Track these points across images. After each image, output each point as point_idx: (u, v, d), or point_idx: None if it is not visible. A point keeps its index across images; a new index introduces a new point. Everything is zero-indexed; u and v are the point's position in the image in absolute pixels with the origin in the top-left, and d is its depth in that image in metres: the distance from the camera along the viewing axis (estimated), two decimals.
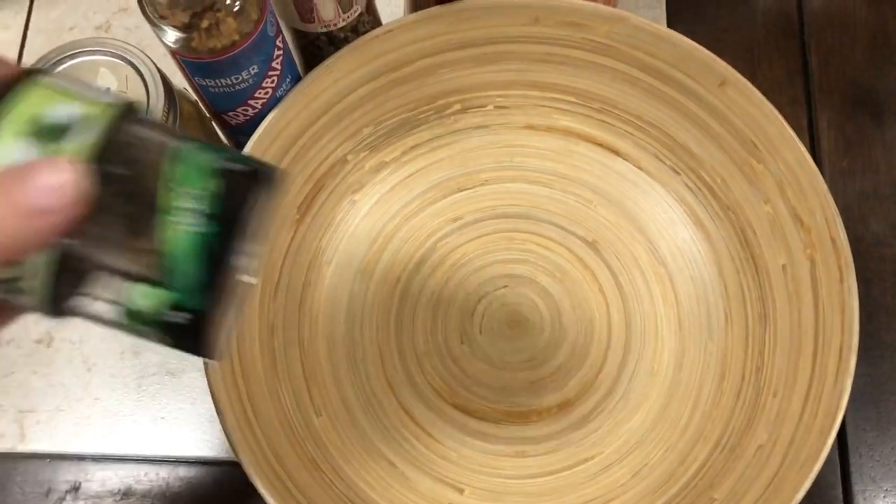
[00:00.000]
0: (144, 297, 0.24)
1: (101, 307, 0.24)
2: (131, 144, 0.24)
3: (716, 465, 0.41)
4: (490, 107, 0.48)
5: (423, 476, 0.43)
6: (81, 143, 0.23)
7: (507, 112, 0.48)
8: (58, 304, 0.24)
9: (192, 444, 0.46)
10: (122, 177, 0.23)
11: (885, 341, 0.46)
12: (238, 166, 0.25)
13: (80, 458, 0.46)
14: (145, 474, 0.46)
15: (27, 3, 0.56)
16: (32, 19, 0.56)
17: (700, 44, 0.43)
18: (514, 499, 0.42)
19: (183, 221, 0.24)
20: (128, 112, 0.25)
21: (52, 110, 0.23)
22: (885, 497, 0.44)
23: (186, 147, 0.25)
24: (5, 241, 0.20)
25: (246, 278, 0.25)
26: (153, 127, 0.26)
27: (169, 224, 0.24)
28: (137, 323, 0.24)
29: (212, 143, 0.26)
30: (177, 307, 0.24)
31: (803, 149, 0.41)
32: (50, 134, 0.23)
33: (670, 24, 0.53)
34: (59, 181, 0.21)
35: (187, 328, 0.24)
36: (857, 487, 0.44)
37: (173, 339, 0.25)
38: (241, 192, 0.25)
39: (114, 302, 0.24)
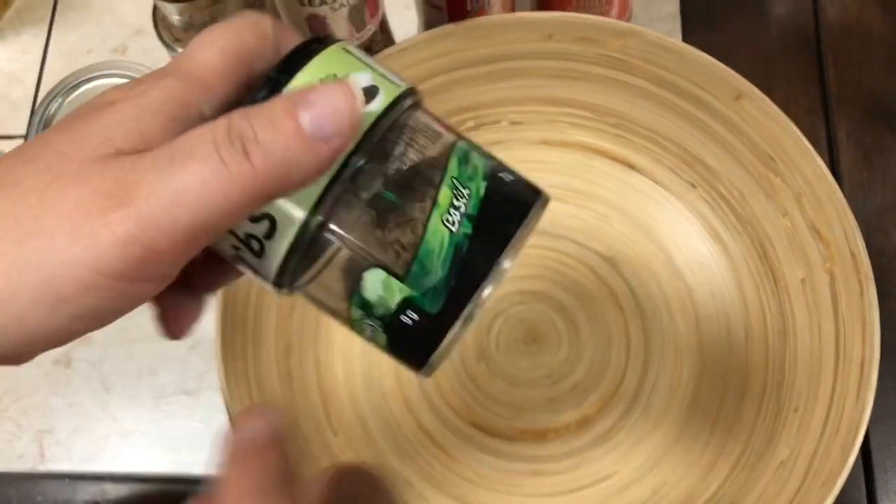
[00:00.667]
0: (380, 286, 0.23)
1: (329, 288, 0.24)
2: (416, 129, 0.23)
3: (737, 481, 0.40)
4: (504, 123, 0.48)
5: (441, 496, 0.42)
6: (371, 109, 0.22)
7: (521, 128, 0.48)
8: (286, 276, 0.23)
9: (209, 464, 0.46)
10: (401, 157, 0.23)
11: None
12: (508, 176, 0.24)
13: (99, 477, 0.46)
14: (163, 494, 0.46)
15: (46, 28, 0.57)
16: (51, 43, 0.56)
17: (715, 57, 0.42)
18: None
19: (449, 219, 0.22)
20: (415, 97, 0.24)
21: (352, 72, 0.22)
22: None
23: (467, 146, 0.24)
24: (285, 165, 0.20)
25: (486, 292, 0.23)
26: (434, 119, 0.25)
27: (436, 219, 0.22)
28: (360, 312, 0.23)
29: (490, 153, 0.25)
30: (409, 305, 0.23)
31: (820, 161, 0.40)
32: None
33: (685, 38, 0.53)
34: (344, 104, 0.20)
35: (410, 331, 0.23)
36: (882, 503, 0.43)
37: (390, 340, 0.24)
38: (505, 204, 0.24)
39: (346, 285, 0.23)
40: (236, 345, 0.39)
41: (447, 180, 0.23)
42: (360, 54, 0.23)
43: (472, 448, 0.43)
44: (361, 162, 0.22)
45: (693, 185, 0.46)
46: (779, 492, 0.39)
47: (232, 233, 0.22)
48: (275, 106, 0.20)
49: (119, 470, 0.46)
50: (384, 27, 0.44)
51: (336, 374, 0.44)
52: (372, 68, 0.23)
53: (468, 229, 0.23)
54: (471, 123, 0.48)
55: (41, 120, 0.38)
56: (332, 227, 0.22)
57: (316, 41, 0.23)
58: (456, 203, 0.23)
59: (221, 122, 0.20)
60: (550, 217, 0.47)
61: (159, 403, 0.47)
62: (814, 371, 0.40)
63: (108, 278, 0.19)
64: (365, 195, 0.22)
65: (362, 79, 0.22)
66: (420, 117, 0.24)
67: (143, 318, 0.49)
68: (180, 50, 0.36)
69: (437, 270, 0.22)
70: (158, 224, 0.19)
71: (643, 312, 0.46)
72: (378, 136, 0.22)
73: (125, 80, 0.39)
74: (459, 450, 0.43)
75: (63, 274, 0.19)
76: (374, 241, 0.23)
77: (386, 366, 0.45)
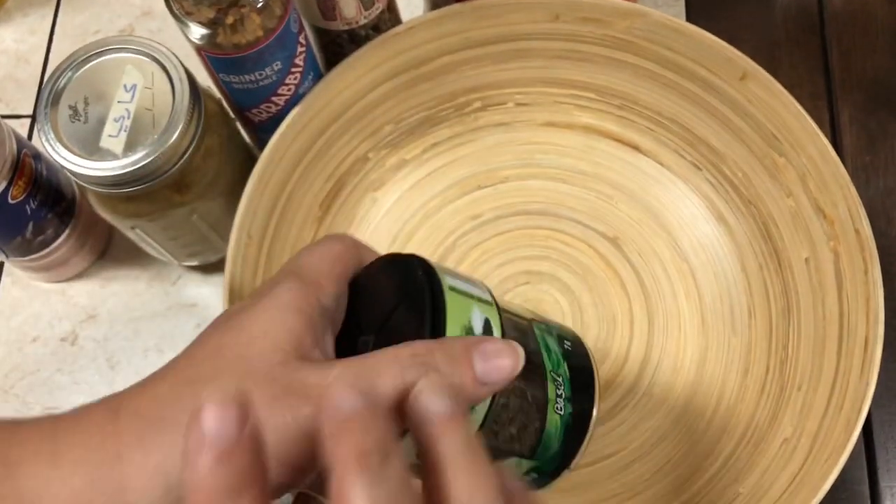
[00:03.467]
0: (514, 464, 0.28)
1: None
2: (518, 339, 0.28)
3: (741, 459, 0.41)
4: (510, 104, 0.48)
5: None
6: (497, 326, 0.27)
7: (527, 109, 0.48)
8: None
9: None
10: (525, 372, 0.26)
11: None
12: (567, 343, 0.30)
13: None
14: None
15: (53, 9, 0.57)
16: (58, 24, 0.56)
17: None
18: (538, 495, 0.42)
19: (557, 407, 0.28)
20: (497, 303, 0.28)
21: (473, 318, 0.27)
22: None
23: (539, 330, 0.29)
24: (452, 390, 0.22)
25: (586, 440, 0.30)
26: (511, 313, 0.30)
27: (550, 412, 0.28)
28: None
29: (546, 322, 0.30)
30: (535, 470, 0.29)
31: (825, 140, 0.41)
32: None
33: (690, 21, 0.53)
34: (508, 362, 0.25)
35: (537, 480, 0.30)
36: (884, 483, 0.43)
37: None
38: (582, 372, 0.30)
39: None
40: None
41: (547, 375, 0.28)
42: (463, 285, 0.28)
43: None
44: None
45: (697, 167, 0.46)
46: (782, 469, 0.39)
47: None
48: (456, 345, 0.25)
49: None
50: (391, 6, 0.44)
51: None
52: (471, 296, 0.27)
53: (569, 408, 0.28)
54: (477, 104, 0.48)
55: (50, 93, 0.38)
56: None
57: (420, 268, 0.27)
58: (558, 392, 0.28)
59: (405, 349, 0.24)
60: (556, 198, 0.48)
61: None
62: (817, 349, 0.41)
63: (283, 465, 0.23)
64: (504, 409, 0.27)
65: (480, 319, 0.27)
66: (510, 319, 0.29)
67: (150, 295, 0.49)
68: (191, 24, 0.36)
69: (554, 447, 0.29)
70: None
71: (647, 293, 0.46)
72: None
73: (134, 56, 0.39)
74: None
75: None
76: (508, 439, 0.28)
77: None
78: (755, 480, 0.39)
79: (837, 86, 0.52)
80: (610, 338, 0.45)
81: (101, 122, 0.38)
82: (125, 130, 0.38)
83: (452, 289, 0.27)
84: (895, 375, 0.45)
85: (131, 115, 0.38)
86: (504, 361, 0.25)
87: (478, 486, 0.20)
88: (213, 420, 0.18)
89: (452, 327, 0.26)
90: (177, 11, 0.36)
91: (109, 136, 0.37)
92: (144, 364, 0.48)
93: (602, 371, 0.44)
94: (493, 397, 0.26)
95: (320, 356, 0.26)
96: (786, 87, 0.42)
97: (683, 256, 0.46)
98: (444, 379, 0.23)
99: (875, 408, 0.45)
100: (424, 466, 0.21)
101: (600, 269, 0.46)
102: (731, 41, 0.43)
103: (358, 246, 0.30)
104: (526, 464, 0.28)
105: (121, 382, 0.48)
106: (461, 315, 0.26)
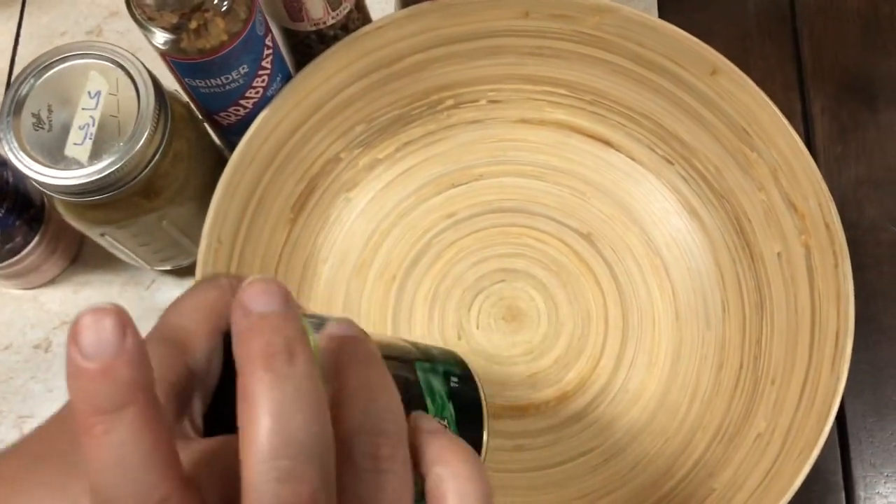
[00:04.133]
0: None
1: None
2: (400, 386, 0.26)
3: (715, 454, 0.41)
4: (483, 101, 0.48)
5: None
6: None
7: (500, 106, 0.48)
8: None
9: None
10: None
11: (883, 326, 0.46)
12: (454, 379, 0.28)
13: None
14: None
15: (18, 10, 0.56)
16: (24, 25, 0.56)
17: (692, 33, 0.43)
18: (513, 492, 0.42)
19: None
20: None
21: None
22: (885, 482, 0.43)
23: (430, 374, 0.28)
24: None
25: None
26: (391, 358, 0.28)
27: None
28: None
29: (431, 359, 0.29)
30: None
31: (795, 135, 0.41)
32: None
33: (661, 15, 0.53)
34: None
35: None
36: (857, 473, 0.44)
37: None
38: (469, 408, 0.28)
39: None
40: None
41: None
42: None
43: None
44: None
45: (670, 161, 0.46)
46: (756, 463, 0.39)
47: None
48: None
49: None
50: (360, 5, 0.44)
51: None
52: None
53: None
54: (450, 102, 0.48)
55: (12, 102, 0.37)
56: None
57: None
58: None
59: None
60: (529, 195, 0.48)
61: None
62: (790, 344, 0.41)
63: None
64: None
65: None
66: (395, 367, 0.27)
67: (123, 300, 0.49)
68: (154, 29, 0.36)
69: None
70: None
71: (621, 289, 0.46)
72: None
73: (98, 62, 0.39)
74: None
75: None
76: None
77: None
78: (730, 476, 0.40)
79: (809, 77, 0.52)
80: (585, 334, 0.45)
81: (66, 130, 0.37)
82: (90, 138, 0.37)
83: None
84: (869, 366, 0.45)
85: (96, 123, 0.37)
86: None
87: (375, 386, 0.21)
88: (90, 330, 0.18)
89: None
90: (139, 17, 0.35)
91: (74, 143, 0.37)
92: None
93: (577, 367, 0.45)
94: None
95: (181, 430, 0.23)
96: (758, 78, 0.42)
97: (656, 251, 0.46)
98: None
99: (849, 399, 0.45)
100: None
101: (574, 265, 0.46)
102: (703, 33, 0.43)
103: (233, 284, 0.25)
104: None
105: None
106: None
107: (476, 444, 0.28)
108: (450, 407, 0.28)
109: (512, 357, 0.45)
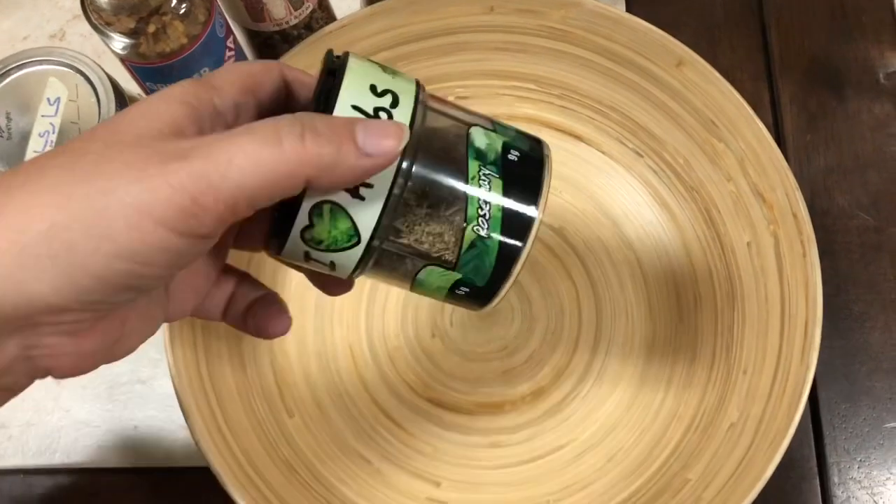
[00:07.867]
0: (437, 277, 0.27)
1: (399, 272, 0.28)
2: (437, 123, 0.27)
3: (689, 445, 0.41)
4: (451, 98, 0.48)
5: (399, 472, 0.43)
6: (404, 113, 0.26)
7: (468, 102, 0.47)
8: (362, 269, 0.27)
9: (164, 452, 0.46)
10: (434, 154, 0.26)
11: (854, 313, 0.47)
12: (519, 157, 0.28)
13: (54, 471, 0.46)
14: (118, 484, 0.45)
15: None
16: None
17: (660, 26, 0.43)
18: (491, 489, 0.42)
19: (477, 227, 0.26)
20: (422, 89, 0.27)
21: (380, 79, 0.26)
22: (858, 468, 0.44)
23: (480, 127, 0.27)
24: (332, 158, 0.23)
25: (527, 247, 0.27)
26: (444, 104, 0.28)
27: (468, 231, 0.26)
28: (424, 290, 0.28)
29: (496, 124, 0.28)
30: (464, 285, 0.28)
31: (761, 125, 0.41)
32: (381, 97, 0.26)
33: (630, 8, 0.53)
34: (390, 142, 0.24)
35: (467, 295, 0.28)
36: (831, 459, 0.44)
37: (453, 300, 0.29)
38: (523, 170, 0.28)
39: (408, 275, 0.27)
40: (184, 332, 0.39)
41: (469, 181, 0.27)
42: (383, 72, 0.27)
43: (429, 423, 0.44)
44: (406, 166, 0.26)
45: (639, 154, 0.46)
46: (729, 453, 0.39)
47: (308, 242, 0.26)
48: (336, 119, 0.24)
49: (73, 462, 0.46)
50: (324, 4, 0.44)
51: (289, 354, 0.44)
52: (391, 72, 0.27)
53: (497, 225, 0.27)
54: None
55: None
56: (393, 238, 0.26)
57: (331, 56, 0.27)
58: (481, 208, 0.27)
59: (286, 116, 0.23)
60: None
61: (112, 393, 0.47)
62: (761, 333, 0.41)
63: (153, 222, 0.21)
64: (413, 200, 0.26)
65: (386, 81, 0.26)
66: (434, 104, 0.27)
67: None
68: (112, 34, 0.35)
69: (482, 263, 0.27)
70: (209, 180, 0.21)
71: (593, 282, 0.46)
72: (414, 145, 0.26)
73: (57, 68, 0.38)
74: (417, 426, 0.44)
75: (114, 209, 0.21)
76: (421, 243, 0.27)
77: (340, 345, 0.45)
78: (704, 466, 0.40)
79: (777, 66, 0.52)
80: (559, 329, 0.45)
81: (26, 138, 0.37)
82: (51, 145, 0.37)
83: (361, 68, 0.26)
84: (841, 353, 0.46)
85: (56, 129, 0.37)
86: (387, 134, 0.24)
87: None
88: None
89: (352, 94, 0.25)
90: (96, 22, 0.35)
91: (34, 151, 0.37)
92: (91, 376, 0.47)
93: (551, 362, 0.44)
94: (392, 185, 0.25)
95: None
96: (726, 69, 0.42)
97: (628, 244, 0.46)
98: (318, 144, 0.23)
99: (821, 386, 0.45)
100: None
101: (547, 260, 0.46)
102: (671, 25, 0.43)
103: (282, 68, 0.28)
104: (453, 276, 0.27)
105: (67, 396, 0.47)
106: (364, 80, 0.26)
107: (524, 222, 0.27)
108: (497, 175, 0.27)
109: (486, 353, 0.45)
